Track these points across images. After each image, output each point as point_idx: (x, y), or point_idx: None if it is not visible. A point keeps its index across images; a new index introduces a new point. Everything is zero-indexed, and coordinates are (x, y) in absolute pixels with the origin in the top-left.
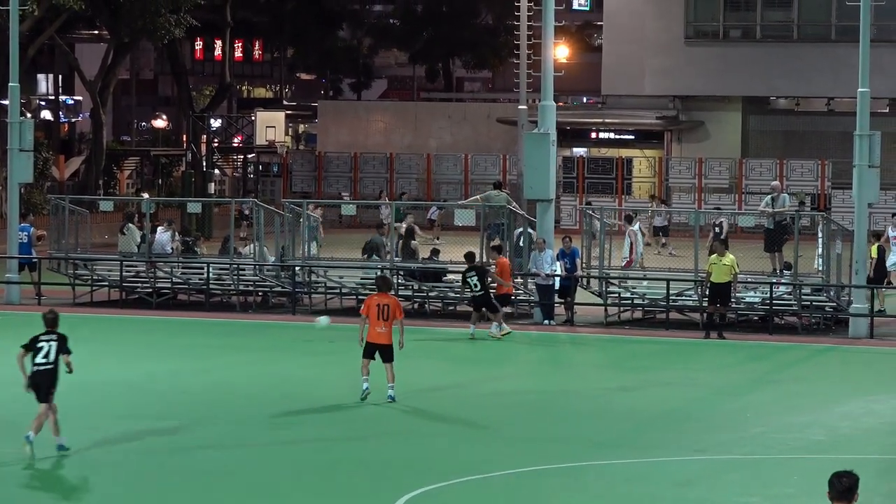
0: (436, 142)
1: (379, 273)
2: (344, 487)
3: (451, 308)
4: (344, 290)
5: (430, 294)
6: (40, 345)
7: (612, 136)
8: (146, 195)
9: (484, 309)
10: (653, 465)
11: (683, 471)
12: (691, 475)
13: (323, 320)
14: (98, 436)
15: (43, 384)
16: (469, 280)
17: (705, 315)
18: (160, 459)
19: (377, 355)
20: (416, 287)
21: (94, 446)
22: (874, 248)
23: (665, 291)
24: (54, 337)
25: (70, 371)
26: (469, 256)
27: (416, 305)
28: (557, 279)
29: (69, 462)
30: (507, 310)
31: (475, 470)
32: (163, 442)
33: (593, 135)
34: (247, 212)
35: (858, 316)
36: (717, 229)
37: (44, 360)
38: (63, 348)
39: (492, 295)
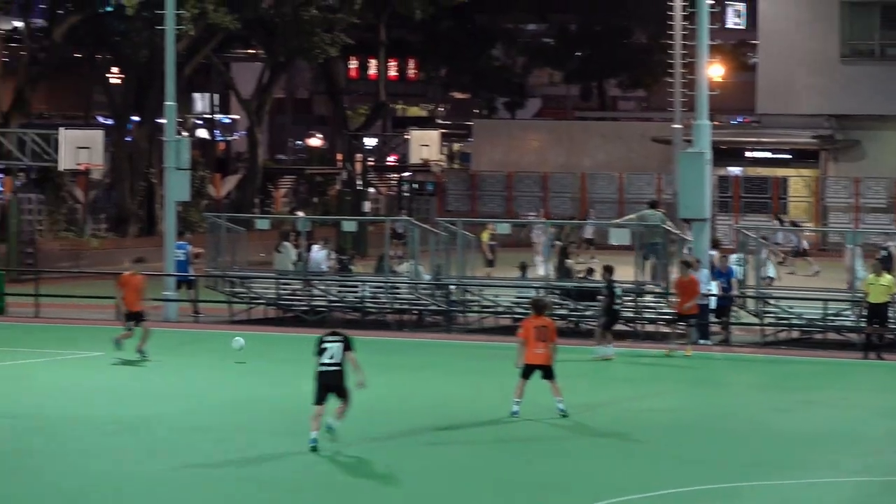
0: (590, 161)
1: (535, 295)
2: None
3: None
4: (499, 309)
5: (585, 313)
6: (325, 346)
7: (767, 155)
8: (301, 213)
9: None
10: (809, 486)
11: (840, 493)
12: (848, 498)
13: (237, 342)
14: (254, 453)
15: (331, 384)
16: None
17: (863, 335)
18: (319, 478)
19: (533, 375)
20: (571, 306)
21: (252, 462)
22: None
23: (822, 311)
24: (339, 338)
25: (361, 382)
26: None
27: (571, 324)
28: (713, 298)
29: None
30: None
31: (629, 490)
32: (311, 459)
33: (748, 154)
34: (400, 230)
35: None
36: (884, 252)
37: (329, 361)
38: (348, 348)
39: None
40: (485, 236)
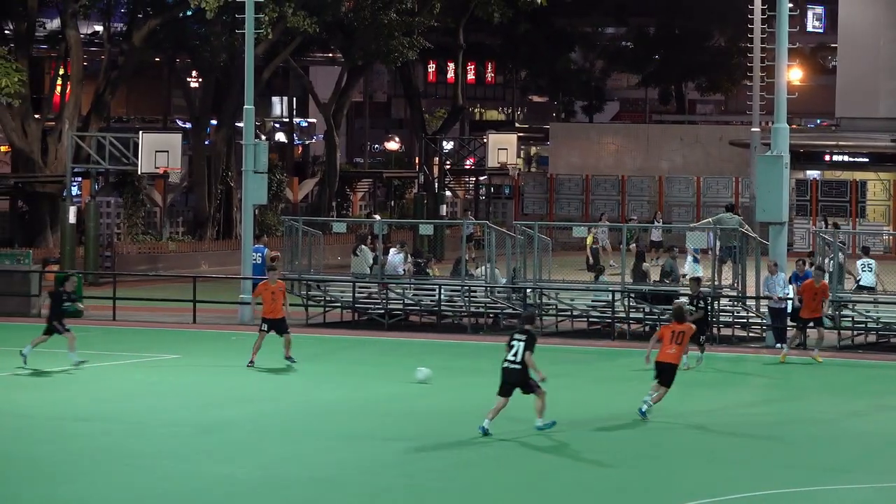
0: (667, 164)
1: (677, 303)
2: None
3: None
4: (574, 313)
5: (661, 317)
6: (512, 343)
7: (845, 158)
8: (378, 217)
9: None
10: (887, 490)
11: None
12: None
13: (422, 372)
14: (335, 457)
15: (513, 381)
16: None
17: None
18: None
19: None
20: (647, 310)
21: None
22: None
23: None
24: (524, 337)
25: (541, 377)
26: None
27: (646, 328)
28: (790, 302)
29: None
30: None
31: (708, 493)
32: (388, 458)
33: (826, 157)
34: (472, 232)
35: None
36: None
37: (512, 358)
38: (530, 347)
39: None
40: (589, 240)
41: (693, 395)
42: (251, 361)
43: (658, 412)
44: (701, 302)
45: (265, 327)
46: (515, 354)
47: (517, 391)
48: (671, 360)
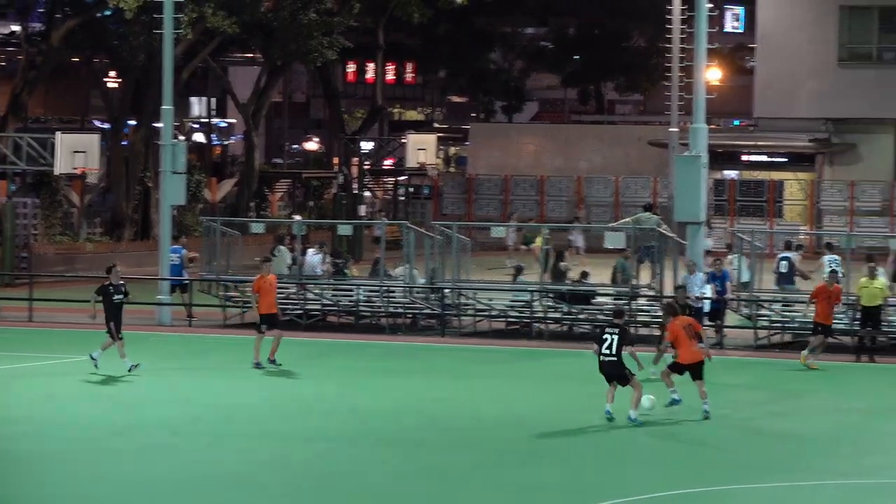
0: (586, 164)
1: (667, 300)
2: None
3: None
4: (493, 313)
5: (579, 316)
6: (605, 336)
7: (763, 158)
8: (298, 217)
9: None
10: (802, 489)
11: (834, 495)
12: (841, 500)
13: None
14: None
15: (611, 373)
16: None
17: (856, 338)
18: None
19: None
20: (565, 309)
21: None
22: None
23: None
24: (617, 330)
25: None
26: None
27: (564, 328)
28: (707, 302)
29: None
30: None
31: (632, 492)
32: (303, 458)
33: (744, 157)
34: (377, 233)
35: None
36: None
37: (608, 352)
38: (624, 341)
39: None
40: (538, 241)
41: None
42: (257, 363)
43: (576, 412)
44: (687, 310)
45: (265, 328)
46: (610, 347)
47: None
48: (699, 359)
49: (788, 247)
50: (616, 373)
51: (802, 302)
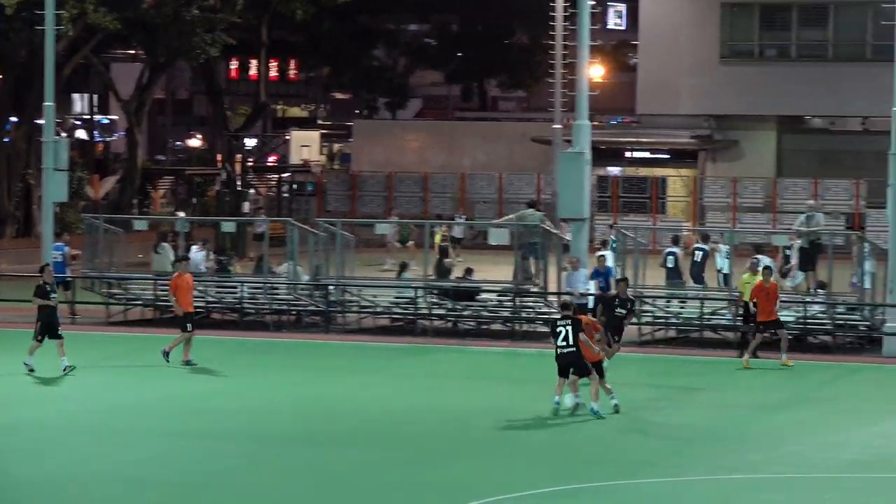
0: (470, 161)
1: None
2: None
3: (484, 327)
4: (378, 309)
5: (463, 313)
6: (559, 329)
7: (646, 155)
8: (182, 214)
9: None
10: (685, 484)
11: (714, 491)
12: (724, 495)
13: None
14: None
15: (568, 363)
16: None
17: (739, 334)
18: (190, 478)
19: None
20: (450, 306)
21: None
22: None
23: (699, 311)
24: (569, 321)
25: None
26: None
27: (449, 324)
28: (591, 298)
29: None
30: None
31: (507, 489)
32: (188, 459)
33: (628, 154)
34: (259, 229)
35: (893, 335)
36: (787, 251)
37: (564, 344)
38: (580, 329)
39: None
40: (437, 238)
41: (497, 392)
42: (187, 360)
43: (461, 408)
44: (628, 304)
45: (190, 326)
46: (566, 339)
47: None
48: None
49: (675, 241)
50: (575, 362)
51: (689, 298)
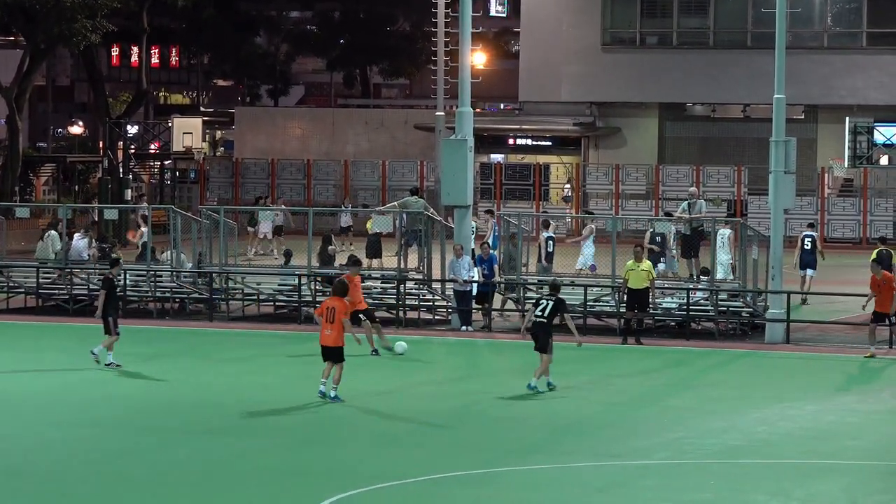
0: (353, 148)
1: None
2: (256, 496)
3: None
4: (261, 297)
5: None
6: (542, 301)
7: (529, 142)
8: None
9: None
10: (568, 470)
11: (599, 477)
12: (607, 481)
13: (401, 346)
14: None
15: (536, 333)
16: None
17: (623, 321)
18: (75, 465)
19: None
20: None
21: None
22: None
23: (582, 297)
24: (554, 299)
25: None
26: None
27: None
28: (475, 285)
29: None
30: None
31: (391, 476)
32: (69, 450)
33: (511, 141)
34: (143, 212)
35: (775, 321)
36: (658, 238)
37: (540, 314)
38: (561, 308)
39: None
40: (369, 226)
41: (382, 379)
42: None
43: (342, 395)
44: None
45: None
46: (543, 311)
47: None
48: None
49: (546, 226)
50: (541, 333)
51: (569, 284)
